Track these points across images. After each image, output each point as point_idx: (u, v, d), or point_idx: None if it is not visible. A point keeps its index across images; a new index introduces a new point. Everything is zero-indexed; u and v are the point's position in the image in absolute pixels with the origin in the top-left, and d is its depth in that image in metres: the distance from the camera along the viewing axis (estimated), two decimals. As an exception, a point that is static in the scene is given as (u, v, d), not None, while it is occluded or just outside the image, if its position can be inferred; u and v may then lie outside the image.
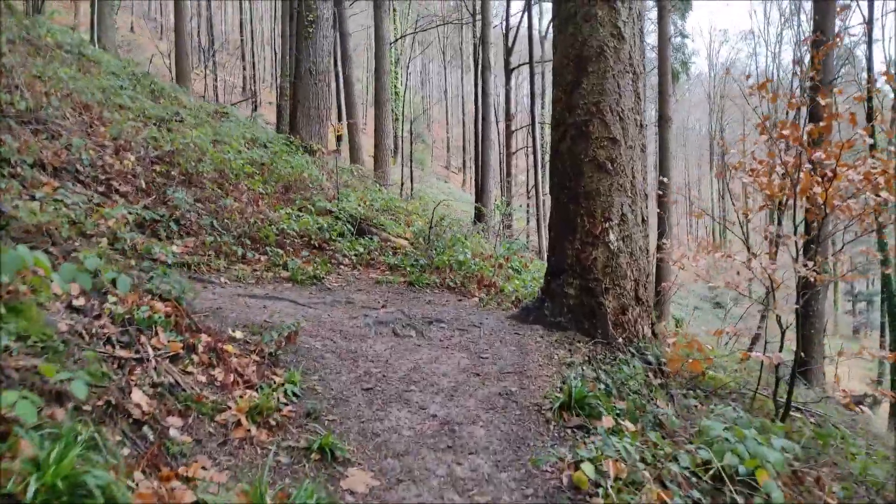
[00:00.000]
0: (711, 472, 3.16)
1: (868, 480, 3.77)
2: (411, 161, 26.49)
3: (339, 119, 25.91)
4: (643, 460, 3.25)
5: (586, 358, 4.83)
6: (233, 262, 6.76)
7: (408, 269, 7.67)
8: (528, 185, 30.32)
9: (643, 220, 5.54)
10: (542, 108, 31.17)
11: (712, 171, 46.45)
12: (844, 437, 4.64)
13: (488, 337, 5.29)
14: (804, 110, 7.86)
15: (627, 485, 3.04)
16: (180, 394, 3.24)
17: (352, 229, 8.63)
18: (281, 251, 7.19)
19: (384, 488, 3.01)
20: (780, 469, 3.16)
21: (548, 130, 38.19)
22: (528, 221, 20.82)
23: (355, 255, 7.93)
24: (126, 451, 2.64)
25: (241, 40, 35.44)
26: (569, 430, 3.72)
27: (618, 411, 3.90)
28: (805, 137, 4.74)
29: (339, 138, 30.85)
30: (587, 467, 3.10)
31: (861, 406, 4.94)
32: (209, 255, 6.60)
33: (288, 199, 9.45)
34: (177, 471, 2.69)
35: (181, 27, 22.50)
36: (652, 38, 26.78)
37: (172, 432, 2.95)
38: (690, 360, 6.29)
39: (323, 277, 6.90)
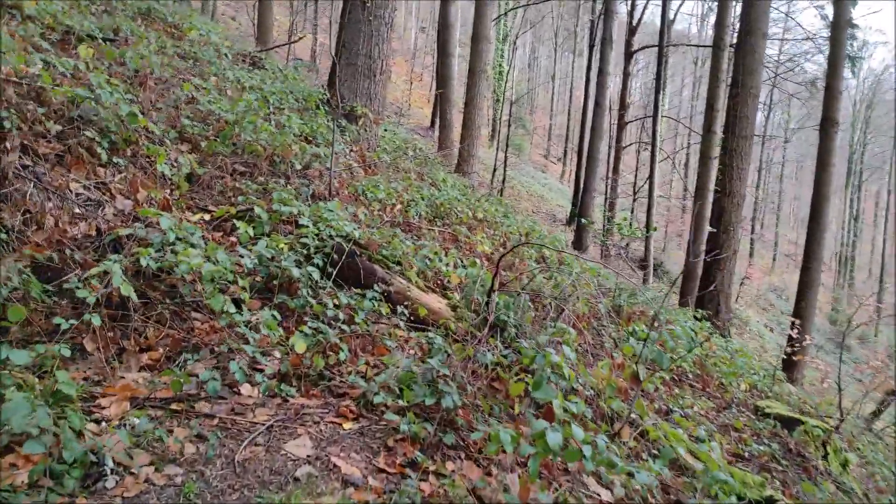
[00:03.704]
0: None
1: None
2: (507, 145, 21.22)
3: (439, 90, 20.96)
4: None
5: None
6: None
7: (410, 429, 2.59)
8: (635, 185, 24.33)
9: None
10: (664, 98, 24.96)
11: (847, 192, 37.52)
12: None
13: None
14: None
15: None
16: None
17: (317, 273, 3.62)
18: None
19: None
20: None
21: (667, 126, 31.53)
22: (633, 229, 15.04)
23: (287, 352, 2.93)
24: None
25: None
26: None
27: None
28: None
29: (433, 111, 25.86)
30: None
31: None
32: None
33: (235, 189, 4.60)
34: None
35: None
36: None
37: None
38: None
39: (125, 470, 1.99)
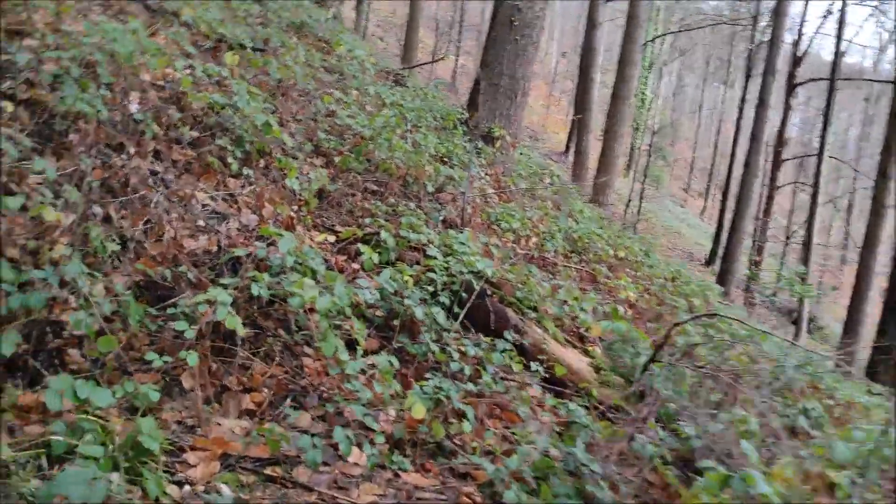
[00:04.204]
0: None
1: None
2: (645, 177, 20.05)
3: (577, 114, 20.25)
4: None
5: None
6: None
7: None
8: (788, 229, 22.06)
9: None
10: (829, 136, 22.53)
11: None
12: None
13: None
14: None
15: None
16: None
17: (443, 315, 3.15)
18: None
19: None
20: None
21: (828, 167, 28.58)
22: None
23: (402, 409, 2.48)
24: None
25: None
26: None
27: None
28: None
29: (569, 137, 25.02)
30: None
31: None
32: None
33: (364, 209, 4.28)
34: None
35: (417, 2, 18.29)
36: None
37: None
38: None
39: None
